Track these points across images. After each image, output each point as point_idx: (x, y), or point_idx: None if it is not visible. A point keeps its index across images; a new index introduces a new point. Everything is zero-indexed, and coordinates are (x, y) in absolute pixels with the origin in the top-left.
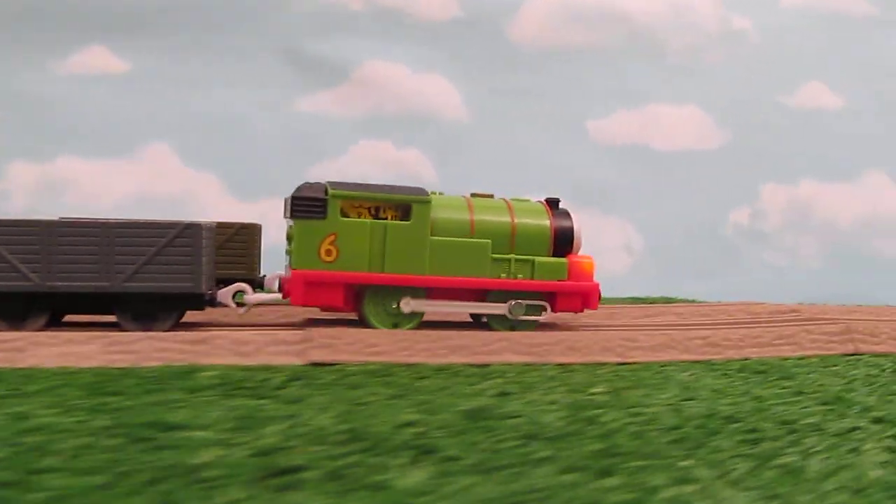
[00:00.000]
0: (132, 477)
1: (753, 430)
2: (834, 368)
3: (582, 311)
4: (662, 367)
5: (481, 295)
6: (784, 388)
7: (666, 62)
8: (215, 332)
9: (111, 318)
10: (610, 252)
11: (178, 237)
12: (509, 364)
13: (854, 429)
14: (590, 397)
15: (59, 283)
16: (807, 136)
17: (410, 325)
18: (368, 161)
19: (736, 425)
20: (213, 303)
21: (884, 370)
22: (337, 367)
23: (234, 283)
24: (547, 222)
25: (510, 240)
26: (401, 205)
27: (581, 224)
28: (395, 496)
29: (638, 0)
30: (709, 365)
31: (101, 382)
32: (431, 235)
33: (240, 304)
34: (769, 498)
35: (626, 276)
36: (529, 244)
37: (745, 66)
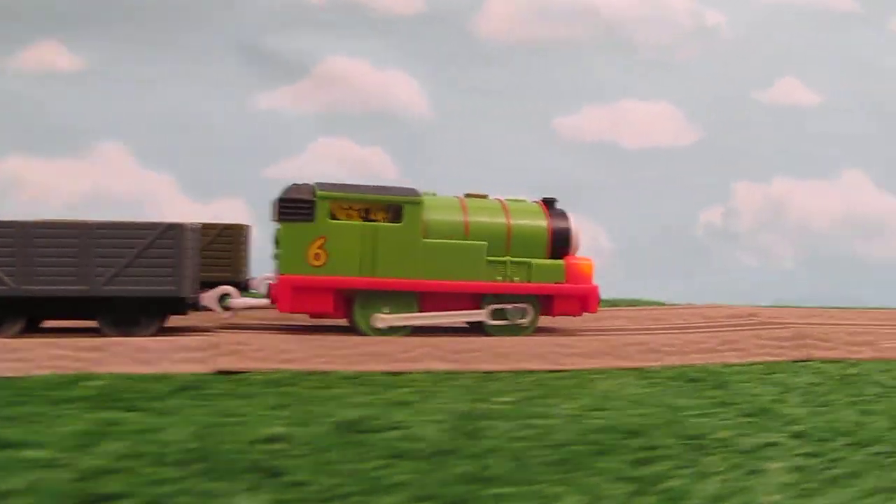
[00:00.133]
0: None
1: (651, 448)
2: (775, 376)
3: (580, 314)
4: (593, 375)
5: (476, 299)
6: (710, 398)
7: (637, 58)
8: (117, 339)
9: (92, 324)
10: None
11: (160, 238)
12: (430, 372)
13: (768, 444)
14: (491, 406)
15: (35, 288)
16: (781, 134)
17: (404, 331)
18: (328, 159)
19: (635, 441)
20: (197, 307)
21: (829, 378)
22: (240, 375)
23: (218, 286)
24: (544, 223)
25: (506, 242)
26: (391, 206)
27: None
28: None
29: None
30: (643, 372)
31: None
32: (424, 238)
33: (226, 309)
34: None
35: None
36: (526, 246)
37: (719, 61)
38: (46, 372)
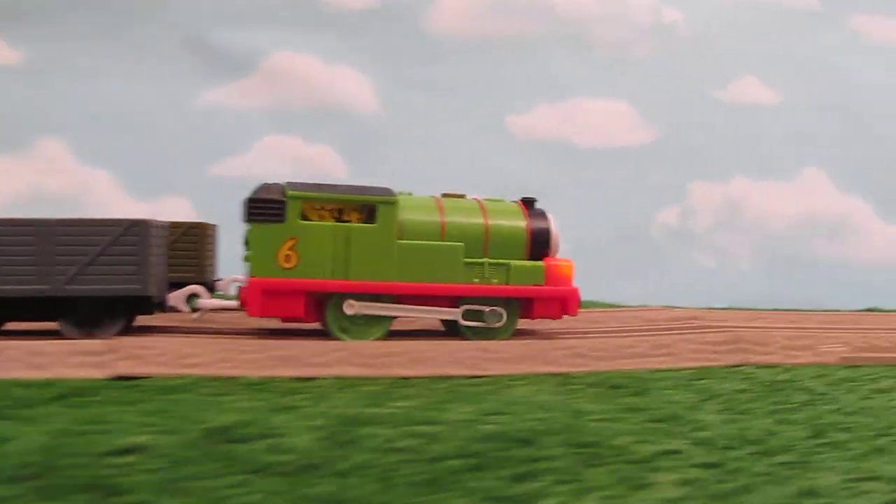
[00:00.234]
0: None
1: (536, 460)
2: (702, 382)
3: (560, 317)
4: (513, 380)
5: (454, 301)
6: (623, 404)
7: (592, 55)
8: (10, 342)
9: (55, 326)
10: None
11: (124, 235)
12: (341, 377)
13: (666, 452)
14: (381, 411)
15: None
16: (740, 133)
17: (378, 334)
18: (275, 157)
19: (522, 451)
20: (163, 307)
21: (758, 384)
22: (137, 381)
23: (183, 286)
24: (523, 224)
25: (484, 243)
26: (365, 206)
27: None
28: None
29: None
30: (565, 378)
31: None
32: (399, 239)
33: (195, 310)
34: None
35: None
36: (504, 247)
37: (676, 59)
38: None
